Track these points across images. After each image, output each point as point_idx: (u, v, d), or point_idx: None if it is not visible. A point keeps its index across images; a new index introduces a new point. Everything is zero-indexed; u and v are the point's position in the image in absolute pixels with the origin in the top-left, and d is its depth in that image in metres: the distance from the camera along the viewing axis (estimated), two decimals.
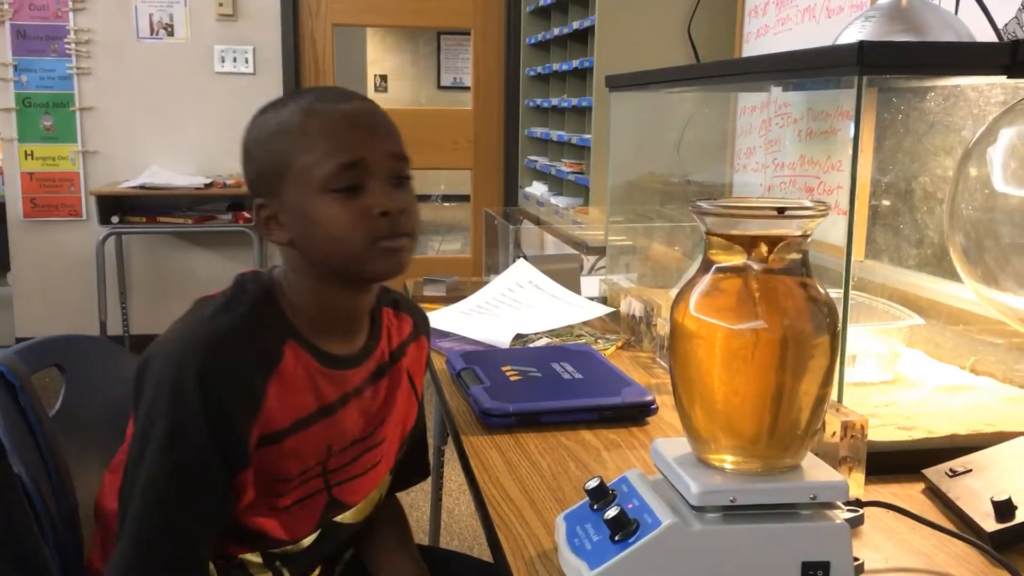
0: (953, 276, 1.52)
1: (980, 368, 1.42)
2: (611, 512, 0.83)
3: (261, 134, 1.06)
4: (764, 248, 0.81)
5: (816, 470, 0.84)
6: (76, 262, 4.50)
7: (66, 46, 4.38)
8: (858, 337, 1.40)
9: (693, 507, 0.81)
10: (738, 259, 0.82)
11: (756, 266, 0.81)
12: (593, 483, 0.89)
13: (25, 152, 4.44)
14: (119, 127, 4.48)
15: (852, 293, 1.17)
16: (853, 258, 1.14)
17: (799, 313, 0.82)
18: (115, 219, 4.13)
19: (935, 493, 1.06)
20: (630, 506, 0.86)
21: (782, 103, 2.19)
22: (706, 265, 0.84)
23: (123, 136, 4.48)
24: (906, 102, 1.59)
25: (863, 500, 0.90)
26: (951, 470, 1.06)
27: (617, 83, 2.00)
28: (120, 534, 1.00)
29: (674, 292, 1.97)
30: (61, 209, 4.50)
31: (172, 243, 4.62)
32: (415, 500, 2.82)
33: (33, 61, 4.38)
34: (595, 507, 0.89)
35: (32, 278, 4.53)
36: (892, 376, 1.41)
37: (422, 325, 1.28)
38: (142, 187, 4.17)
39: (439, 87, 10.89)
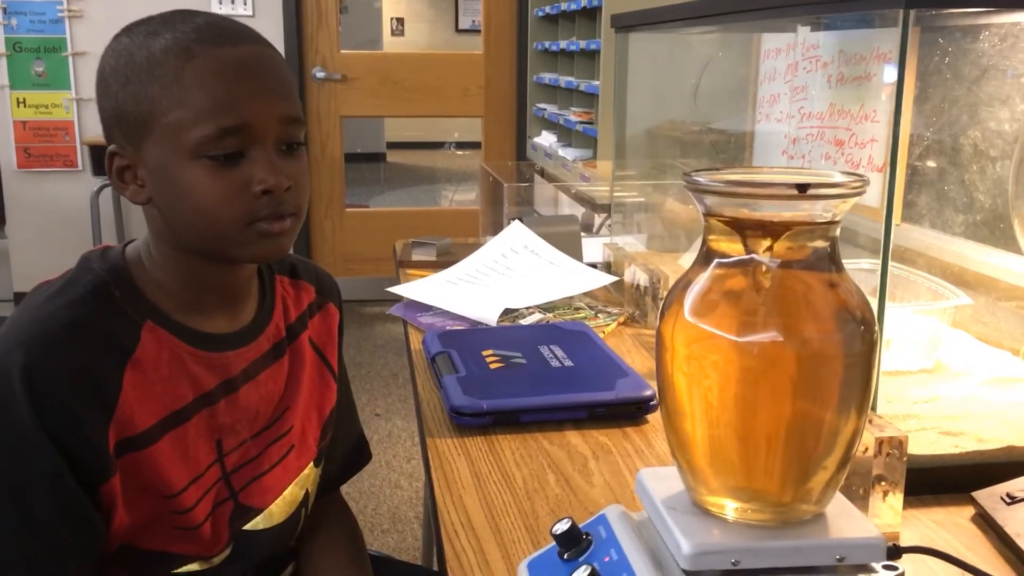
0: (1005, 245, 1.32)
1: None
2: (582, 573, 0.65)
3: (123, 66, 0.87)
4: (780, 236, 0.62)
5: (844, 520, 0.65)
6: (73, 214, 4.33)
7: None
8: (896, 320, 1.20)
9: (685, 572, 0.63)
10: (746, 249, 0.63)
11: (769, 260, 0.62)
12: (563, 526, 0.71)
13: (17, 100, 4.26)
14: None
15: (889, 265, 0.97)
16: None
17: (825, 322, 0.63)
18: None
19: (988, 523, 0.87)
20: (607, 560, 0.68)
21: (810, 44, 1.96)
22: (704, 257, 0.65)
23: None
24: (954, 43, 1.37)
25: (901, 546, 0.72)
26: (1008, 495, 0.87)
27: (624, 23, 1.78)
28: None
29: (685, 259, 1.78)
30: (56, 159, 4.33)
31: None
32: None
33: (23, 3, 4.18)
34: (565, 556, 0.71)
35: (29, 231, 4.38)
36: (933, 363, 1.21)
37: (328, 291, 1.11)
38: None
39: (457, 30, 10.63)
